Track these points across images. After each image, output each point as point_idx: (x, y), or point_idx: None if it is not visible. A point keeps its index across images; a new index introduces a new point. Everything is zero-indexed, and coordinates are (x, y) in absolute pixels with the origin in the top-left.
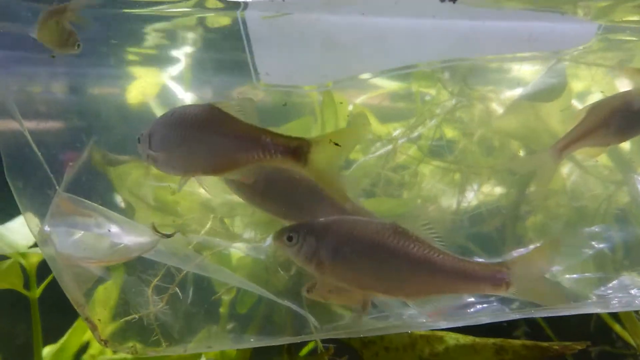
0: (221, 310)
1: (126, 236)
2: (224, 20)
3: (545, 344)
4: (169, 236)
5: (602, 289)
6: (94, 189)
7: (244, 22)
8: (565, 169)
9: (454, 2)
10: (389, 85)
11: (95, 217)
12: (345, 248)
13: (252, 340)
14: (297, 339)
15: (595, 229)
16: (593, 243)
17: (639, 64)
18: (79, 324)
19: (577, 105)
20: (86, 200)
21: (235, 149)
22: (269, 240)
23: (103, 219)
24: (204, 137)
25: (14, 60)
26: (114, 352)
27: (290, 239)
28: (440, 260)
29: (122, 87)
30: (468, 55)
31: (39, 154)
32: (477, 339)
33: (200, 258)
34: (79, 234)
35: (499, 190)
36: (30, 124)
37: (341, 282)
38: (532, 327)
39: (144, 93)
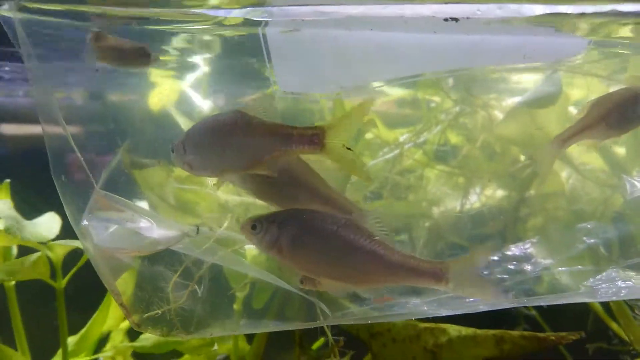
0: (235, 307)
1: (155, 230)
2: (241, 34)
3: (542, 334)
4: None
5: (591, 280)
6: (125, 189)
7: (265, 37)
8: (564, 173)
9: (456, 22)
10: (396, 93)
11: (128, 213)
12: (303, 237)
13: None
14: (307, 325)
15: (587, 225)
16: (584, 239)
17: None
18: (98, 315)
19: (574, 112)
20: (120, 197)
21: (261, 146)
22: None
23: (135, 214)
24: (234, 139)
25: (59, 72)
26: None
27: (254, 227)
28: (388, 254)
29: (146, 95)
30: (469, 67)
31: (80, 156)
32: (479, 331)
33: (223, 251)
34: (113, 228)
35: (500, 193)
36: (72, 129)
37: (299, 268)
38: (531, 324)
39: (166, 100)
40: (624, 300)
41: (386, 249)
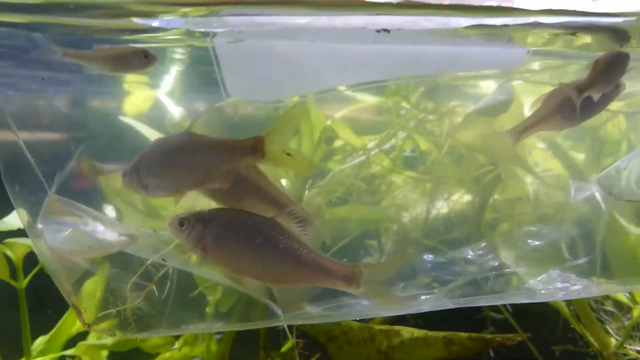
0: (207, 310)
1: (108, 233)
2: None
3: (489, 336)
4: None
5: (531, 282)
6: (85, 193)
7: (213, 48)
8: (529, 178)
9: (388, 32)
10: (363, 99)
11: (81, 216)
12: (226, 236)
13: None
14: (266, 324)
15: (533, 228)
16: (529, 241)
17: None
18: (69, 315)
19: None
20: (74, 202)
21: (210, 162)
22: None
23: (88, 217)
24: (185, 159)
25: (18, 77)
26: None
27: (181, 224)
28: (304, 254)
29: (115, 102)
30: (405, 75)
31: (32, 160)
32: (430, 333)
33: (182, 255)
34: (67, 231)
35: (466, 198)
36: (29, 135)
37: (221, 265)
38: (501, 328)
39: (135, 107)
40: (589, 304)
41: (301, 250)
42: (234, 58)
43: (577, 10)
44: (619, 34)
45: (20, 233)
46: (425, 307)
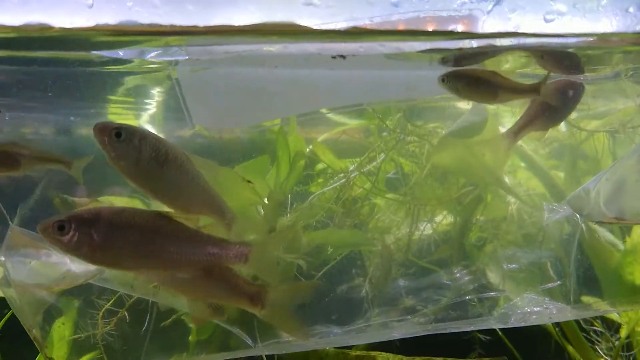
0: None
1: (74, 264)
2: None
3: None
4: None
5: (505, 306)
6: None
7: (177, 77)
8: (511, 197)
9: (344, 59)
10: (347, 122)
11: (45, 248)
12: (117, 235)
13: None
14: (244, 353)
15: (509, 252)
16: (504, 266)
17: None
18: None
19: None
20: (37, 234)
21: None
22: None
23: (52, 249)
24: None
25: None
26: None
27: (62, 228)
28: (190, 233)
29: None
30: (370, 100)
31: None
32: (405, 358)
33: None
34: (31, 263)
35: (444, 219)
36: None
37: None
38: (489, 351)
39: None
40: (578, 325)
41: (190, 230)
42: (196, 86)
43: (528, 32)
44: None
45: None
46: (396, 335)
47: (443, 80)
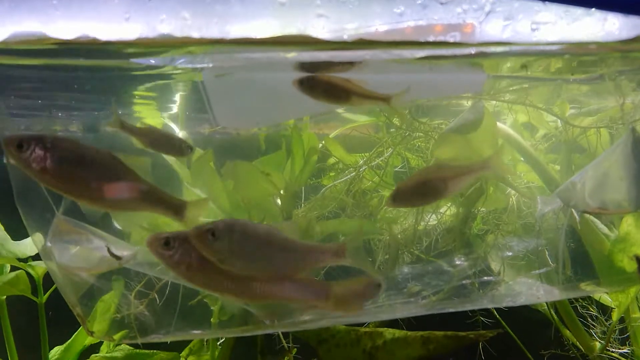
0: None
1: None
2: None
3: (463, 333)
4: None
5: (502, 288)
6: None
7: (202, 81)
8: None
9: (352, 65)
10: (357, 119)
11: (86, 235)
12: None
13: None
14: (261, 331)
15: (505, 240)
16: (503, 252)
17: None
18: (82, 329)
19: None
20: (79, 222)
21: None
22: None
23: (92, 236)
24: None
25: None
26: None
27: (167, 244)
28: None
29: None
30: None
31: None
32: (409, 333)
33: None
34: (74, 249)
35: (452, 210)
36: None
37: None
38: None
39: None
40: (575, 311)
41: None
42: (220, 89)
43: (517, 41)
44: None
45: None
46: (400, 315)
47: (301, 83)
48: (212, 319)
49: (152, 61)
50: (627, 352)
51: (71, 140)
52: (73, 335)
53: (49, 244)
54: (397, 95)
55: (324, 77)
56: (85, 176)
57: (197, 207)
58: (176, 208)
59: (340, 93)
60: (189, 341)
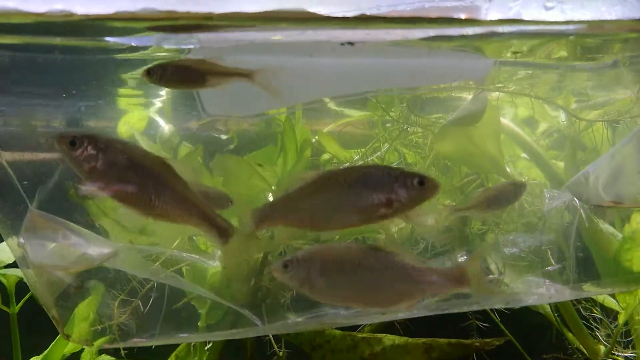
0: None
1: (89, 247)
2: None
3: (467, 341)
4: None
5: (506, 287)
6: (70, 208)
7: None
8: None
9: (352, 45)
10: (352, 114)
11: (62, 231)
12: (331, 272)
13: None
14: (251, 334)
15: (510, 236)
16: (505, 250)
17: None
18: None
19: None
20: (55, 217)
21: None
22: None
23: (69, 232)
24: None
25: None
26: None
27: (285, 267)
28: (417, 271)
29: (111, 120)
30: (375, 87)
31: (14, 176)
32: (410, 340)
33: (165, 272)
34: (49, 246)
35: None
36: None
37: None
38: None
39: (130, 125)
40: (578, 313)
41: (415, 267)
42: None
43: (527, 19)
44: None
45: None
46: (401, 316)
47: (149, 73)
48: (199, 323)
49: (134, 43)
50: (631, 356)
51: (125, 143)
52: (51, 345)
53: (21, 240)
54: (262, 71)
55: (173, 63)
56: (133, 181)
57: (244, 239)
58: (221, 230)
59: (194, 76)
60: (175, 347)
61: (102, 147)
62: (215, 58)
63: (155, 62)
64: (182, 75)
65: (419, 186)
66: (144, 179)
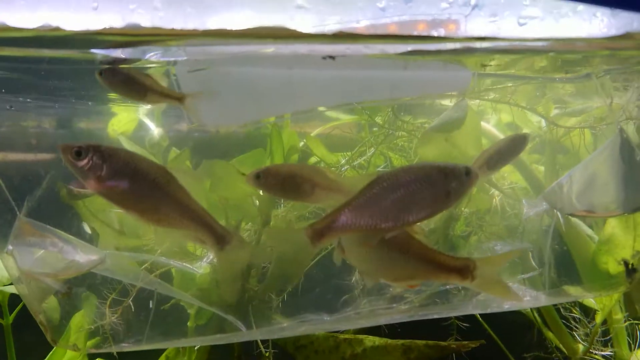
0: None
1: (77, 254)
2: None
3: (444, 343)
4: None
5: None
6: (60, 215)
7: (175, 75)
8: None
9: (333, 59)
10: (339, 118)
11: (51, 238)
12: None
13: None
14: (237, 337)
15: (492, 242)
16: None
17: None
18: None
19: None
20: (44, 224)
21: None
22: (207, 257)
23: (58, 239)
24: None
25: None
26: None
27: None
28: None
29: (103, 122)
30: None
31: (2, 184)
32: (390, 341)
33: (149, 277)
34: (38, 253)
35: None
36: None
37: None
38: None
39: (120, 127)
40: (558, 313)
41: (429, 247)
42: (194, 85)
43: (501, 37)
44: None
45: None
46: (383, 321)
47: (100, 74)
48: (188, 323)
49: (122, 55)
50: (609, 354)
51: (129, 152)
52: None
53: (10, 247)
54: (192, 95)
55: (124, 70)
56: (137, 190)
57: (240, 246)
58: (219, 238)
59: (138, 88)
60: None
61: (107, 156)
62: (156, 76)
63: (108, 66)
64: (128, 86)
65: (466, 176)
66: (147, 188)
